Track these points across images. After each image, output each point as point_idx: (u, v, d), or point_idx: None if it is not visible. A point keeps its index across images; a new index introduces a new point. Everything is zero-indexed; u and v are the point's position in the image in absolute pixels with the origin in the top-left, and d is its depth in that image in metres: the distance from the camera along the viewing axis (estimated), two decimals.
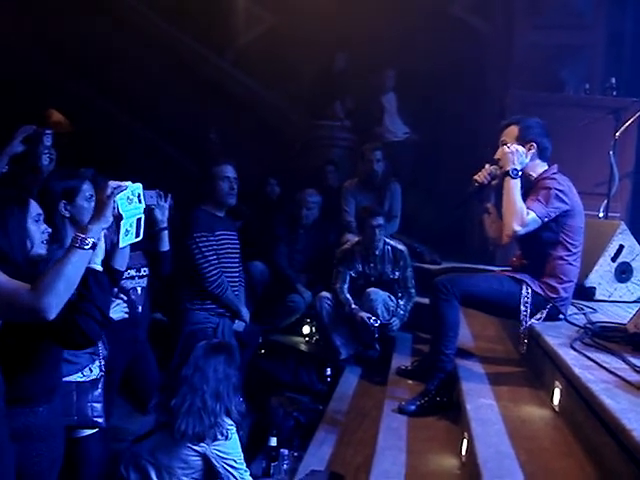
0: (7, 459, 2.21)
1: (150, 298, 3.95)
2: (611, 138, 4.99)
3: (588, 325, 3.44)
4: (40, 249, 2.43)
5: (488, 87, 6.93)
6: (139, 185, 2.38)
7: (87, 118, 7.18)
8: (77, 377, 2.98)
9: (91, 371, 3.05)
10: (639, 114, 5.04)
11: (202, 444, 3.07)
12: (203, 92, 8.04)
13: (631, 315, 3.32)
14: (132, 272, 3.72)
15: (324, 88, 7.76)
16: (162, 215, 3.74)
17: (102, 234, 2.32)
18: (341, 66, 7.89)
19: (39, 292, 2.09)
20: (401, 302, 4.94)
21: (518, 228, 3.38)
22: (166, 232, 3.80)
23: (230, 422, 3.17)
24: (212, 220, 4.34)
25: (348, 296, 4.96)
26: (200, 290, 4.30)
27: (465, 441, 2.93)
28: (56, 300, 2.10)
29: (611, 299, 4.31)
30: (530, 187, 3.55)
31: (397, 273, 4.99)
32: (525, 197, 3.49)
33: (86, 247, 2.20)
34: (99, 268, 2.32)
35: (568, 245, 3.50)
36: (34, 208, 2.42)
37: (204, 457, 3.10)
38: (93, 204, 3.08)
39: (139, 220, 2.41)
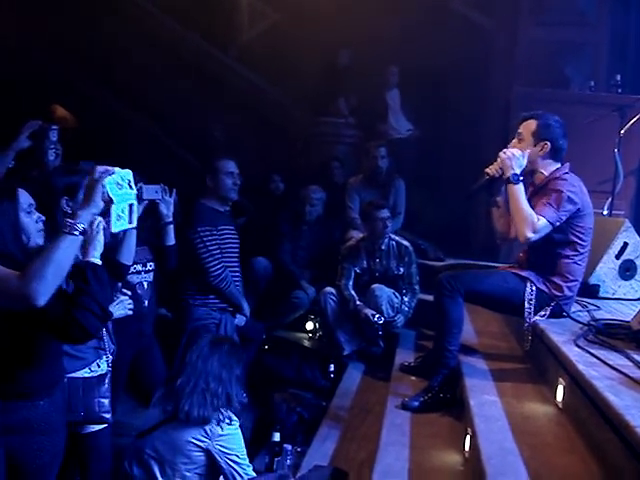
0: None
1: (156, 293, 3.97)
2: (616, 135, 4.98)
3: (592, 322, 3.43)
4: (38, 239, 2.41)
5: (492, 84, 6.92)
6: (128, 171, 2.35)
7: (91, 114, 7.20)
8: (84, 373, 2.99)
9: (98, 366, 3.06)
10: None
11: (205, 439, 3.07)
12: (207, 88, 8.04)
13: (635, 312, 3.32)
14: (138, 267, 3.74)
15: (328, 84, 7.76)
16: (167, 210, 3.76)
17: (101, 227, 2.31)
18: (345, 62, 7.89)
19: (27, 278, 2.07)
20: (405, 299, 4.94)
21: (530, 235, 3.35)
22: (171, 226, 3.81)
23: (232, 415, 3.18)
24: (215, 215, 4.37)
25: (353, 292, 4.97)
26: (203, 284, 4.32)
27: (468, 437, 2.94)
28: (44, 286, 2.07)
29: (615, 297, 4.31)
30: (541, 186, 3.53)
31: (402, 269, 4.98)
32: (535, 195, 3.49)
33: (75, 233, 2.17)
34: (98, 262, 2.30)
35: (577, 245, 3.48)
36: (24, 199, 2.38)
37: (207, 452, 3.10)
38: None
39: (131, 206, 2.37)
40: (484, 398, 3.15)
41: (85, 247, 2.29)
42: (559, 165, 3.54)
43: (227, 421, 3.12)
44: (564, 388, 2.99)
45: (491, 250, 5.55)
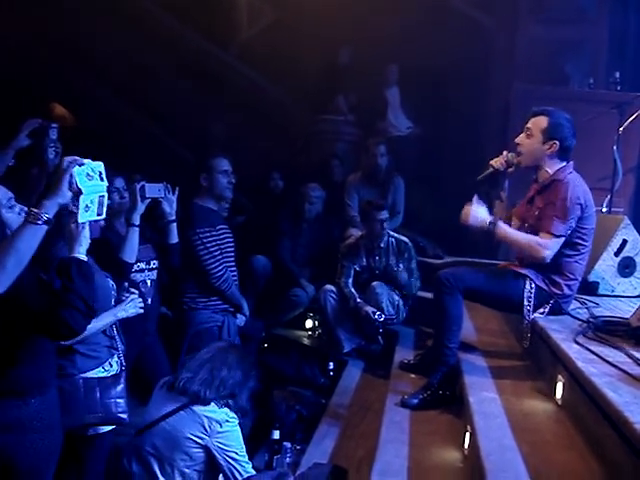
0: None
1: (159, 291, 3.97)
2: (615, 133, 4.98)
3: (591, 319, 3.43)
4: None
5: (491, 82, 6.92)
6: (100, 163, 2.34)
7: (90, 113, 7.20)
8: (98, 372, 2.98)
9: (111, 365, 3.06)
10: None
11: (204, 435, 3.07)
12: (207, 87, 8.04)
13: (634, 309, 3.32)
14: (142, 265, 3.75)
15: (328, 82, 7.76)
16: (170, 208, 3.77)
17: (87, 223, 2.30)
18: (345, 61, 7.89)
19: None
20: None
21: (545, 255, 3.39)
22: (174, 224, 3.82)
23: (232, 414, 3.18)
24: (212, 215, 4.28)
25: (353, 290, 4.97)
26: (204, 286, 4.25)
27: (468, 434, 2.94)
28: (4, 275, 2.05)
29: (614, 294, 4.31)
30: (545, 185, 3.51)
31: (401, 265, 4.98)
32: (539, 196, 3.49)
33: (39, 222, 2.13)
34: (84, 258, 2.28)
35: (578, 246, 3.48)
36: (2, 194, 2.35)
37: (206, 449, 3.10)
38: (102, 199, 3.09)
39: (102, 198, 2.35)
40: (483, 395, 3.15)
41: (70, 243, 2.27)
42: (564, 164, 3.52)
43: (226, 410, 3.13)
44: (563, 385, 2.99)
45: (490, 248, 5.55)
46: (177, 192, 3.82)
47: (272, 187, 6.58)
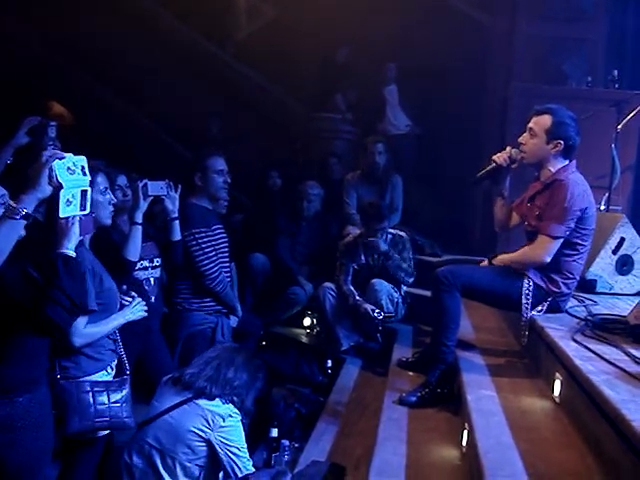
0: None
1: (162, 288, 3.97)
2: (613, 131, 4.99)
3: (589, 317, 3.44)
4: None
5: (490, 80, 6.93)
6: (82, 158, 2.29)
7: (89, 112, 7.20)
8: (103, 375, 2.97)
9: (112, 369, 3.05)
10: None
11: (207, 429, 3.07)
12: (204, 84, 8.04)
13: (632, 307, 3.33)
14: (145, 263, 3.74)
15: (326, 81, 7.77)
16: (172, 205, 3.78)
17: (77, 218, 2.27)
18: (343, 59, 7.89)
19: None
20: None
21: (544, 259, 3.40)
22: (177, 222, 3.83)
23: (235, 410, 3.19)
24: (208, 214, 4.23)
25: (352, 288, 4.97)
26: (198, 287, 4.20)
27: (466, 432, 2.94)
28: None
29: (612, 292, 4.32)
30: (546, 183, 3.50)
31: (397, 256, 4.95)
32: (540, 195, 3.50)
33: (17, 217, 2.10)
34: (71, 254, 2.25)
35: (577, 245, 3.47)
36: None
37: (208, 443, 3.10)
38: (109, 197, 3.08)
39: (84, 193, 2.30)
40: (481, 393, 3.16)
41: (59, 238, 2.25)
42: (566, 162, 3.51)
43: (230, 406, 3.14)
44: (561, 383, 3.00)
45: (488, 246, 5.56)
46: (180, 190, 3.82)
47: (270, 185, 6.57)
